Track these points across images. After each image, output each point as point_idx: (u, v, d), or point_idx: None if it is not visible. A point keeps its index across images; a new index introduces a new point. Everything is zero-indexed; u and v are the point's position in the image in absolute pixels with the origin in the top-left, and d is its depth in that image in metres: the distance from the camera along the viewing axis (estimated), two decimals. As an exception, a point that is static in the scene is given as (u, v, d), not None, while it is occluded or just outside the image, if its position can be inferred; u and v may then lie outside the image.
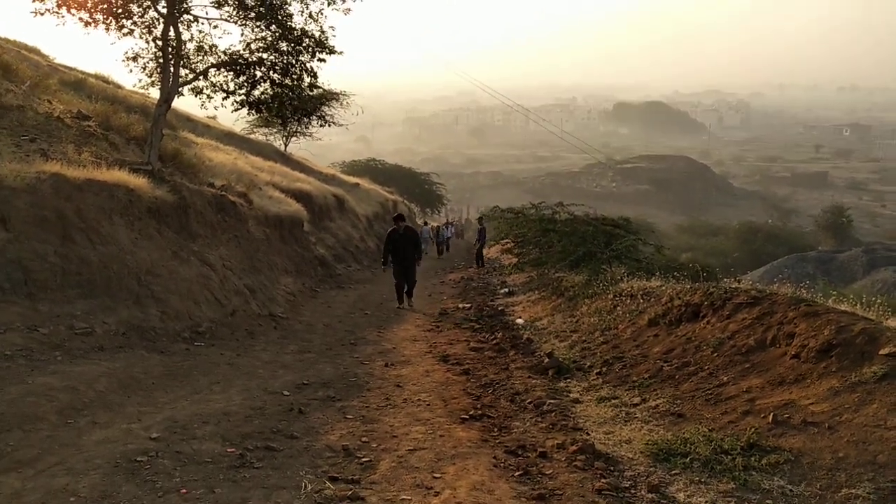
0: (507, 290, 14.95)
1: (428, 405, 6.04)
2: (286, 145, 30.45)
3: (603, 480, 4.14)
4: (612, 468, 4.41)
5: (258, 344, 8.52)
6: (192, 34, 11.06)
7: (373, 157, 53.69)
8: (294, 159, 28.95)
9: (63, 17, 9.98)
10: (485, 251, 27.70)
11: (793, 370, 5.06)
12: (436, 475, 4.36)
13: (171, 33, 10.38)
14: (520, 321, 10.59)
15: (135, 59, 11.20)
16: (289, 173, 21.37)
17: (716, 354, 5.92)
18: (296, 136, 30.32)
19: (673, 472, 4.31)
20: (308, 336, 9.45)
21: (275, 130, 30.13)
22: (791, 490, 3.90)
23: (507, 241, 20.21)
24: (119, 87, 19.86)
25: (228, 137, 25.29)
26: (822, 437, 4.24)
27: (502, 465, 4.54)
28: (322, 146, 35.63)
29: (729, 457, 4.27)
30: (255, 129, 30.43)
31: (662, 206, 79.37)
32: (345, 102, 29.35)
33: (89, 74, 20.02)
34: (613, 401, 5.86)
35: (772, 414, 4.60)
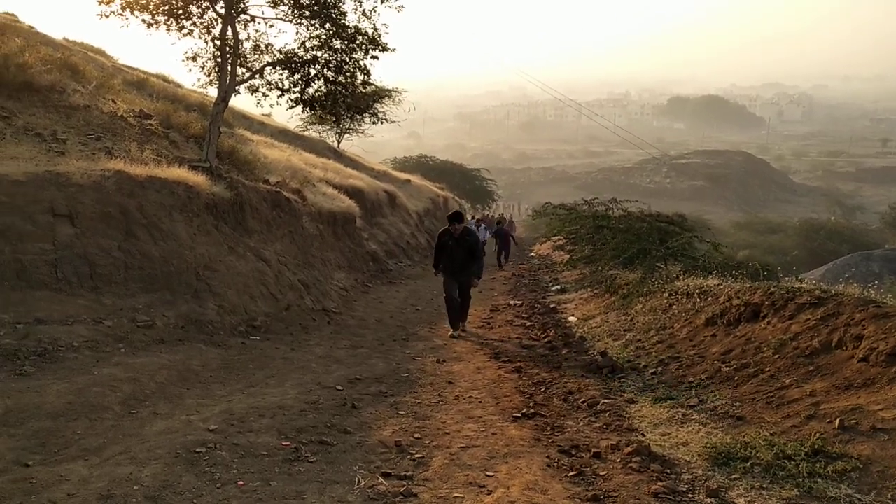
0: (558, 287, 14.81)
1: (480, 402, 6.03)
2: (339, 142, 30.81)
3: (659, 483, 4.05)
4: (668, 471, 4.31)
5: (312, 338, 8.64)
6: (248, 33, 11.30)
7: (424, 154, 53.91)
8: (346, 156, 29.27)
9: (127, 18, 10.30)
10: (535, 248, 27.51)
11: (860, 374, 4.86)
12: (488, 473, 4.34)
13: (229, 33, 10.60)
14: (572, 319, 10.47)
15: (194, 58, 11.51)
16: (341, 170, 21.61)
17: (777, 356, 5.73)
18: (348, 132, 30.64)
19: (733, 476, 4.19)
20: (360, 331, 9.54)
21: (328, 127, 30.50)
22: (859, 499, 3.74)
23: (559, 237, 20.02)
24: (179, 86, 20.39)
25: (283, 134, 25.71)
26: (894, 444, 4.05)
27: (556, 464, 4.49)
28: (374, 143, 35.96)
29: (792, 462, 4.12)
30: (308, 126, 30.87)
31: (719, 202, 77.35)
32: (397, 99, 29.53)
33: (151, 74, 20.59)
34: (669, 401, 5.73)
35: (838, 419, 4.42)
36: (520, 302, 12.69)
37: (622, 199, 18.37)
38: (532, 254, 26.07)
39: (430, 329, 10.02)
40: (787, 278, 8.56)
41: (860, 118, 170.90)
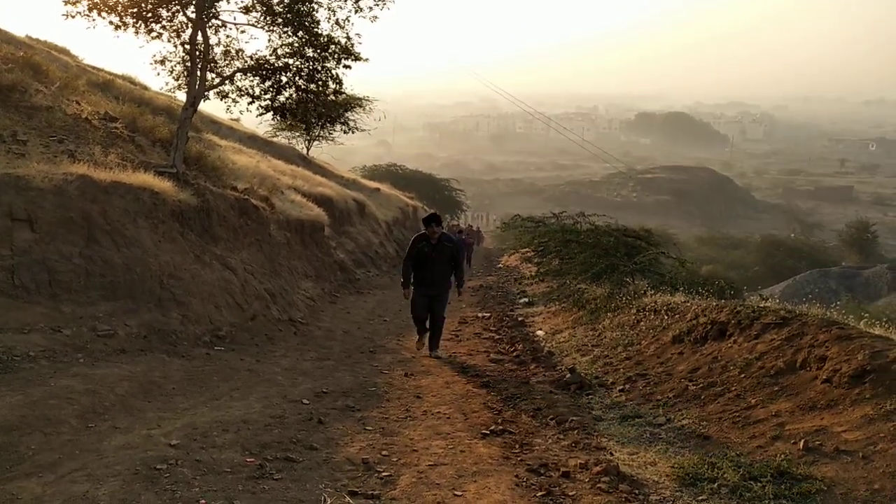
0: (526, 299, 14.86)
1: (448, 418, 5.98)
2: (308, 149, 30.58)
3: (628, 504, 4.05)
4: (637, 491, 4.31)
5: (278, 350, 8.51)
6: (219, 38, 11.15)
7: (393, 162, 53.83)
8: (316, 163, 29.05)
9: (94, 20, 10.08)
10: (503, 260, 27.58)
11: (824, 395, 4.93)
12: (457, 493, 4.29)
13: (199, 38, 10.43)
14: (540, 333, 10.49)
15: (162, 62, 11.31)
16: (310, 177, 21.43)
17: (743, 375, 5.80)
18: (318, 140, 30.44)
19: (700, 497, 4.21)
20: (327, 343, 9.43)
21: (297, 134, 30.26)
22: (823, 521, 3.78)
23: (526, 249, 20.12)
24: (146, 88, 20.04)
25: (251, 140, 25.44)
26: (856, 466, 4.11)
27: (524, 484, 4.46)
28: (343, 150, 35.73)
29: (758, 484, 4.16)
30: (277, 133, 30.59)
31: (683, 217, 78.59)
32: (367, 108, 29.44)
33: (117, 76, 20.21)
34: (637, 419, 5.75)
35: (803, 440, 4.48)
36: (488, 314, 12.68)
37: (589, 212, 18.58)
38: (500, 265, 26.14)
39: (398, 341, 9.95)
40: (750, 296, 8.71)
41: (819, 138, 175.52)
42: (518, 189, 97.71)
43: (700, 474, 4.41)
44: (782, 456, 4.41)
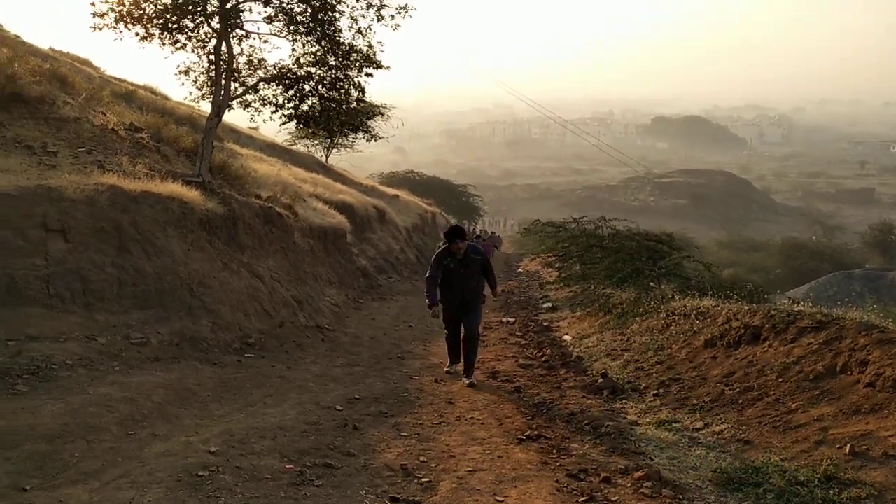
0: (550, 304, 14.79)
1: (482, 424, 5.95)
2: (327, 156, 30.74)
3: (673, 510, 4.00)
4: (680, 496, 4.26)
5: (307, 356, 8.53)
6: (242, 49, 11.24)
7: (410, 169, 53.96)
8: (335, 170, 29.19)
9: (121, 32, 10.21)
10: (522, 265, 27.50)
11: (868, 399, 4.86)
12: (498, 498, 4.27)
13: (224, 48, 10.53)
14: (567, 338, 10.44)
15: (186, 72, 11.43)
16: (331, 185, 21.53)
17: (781, 380, 5.72)
18: (336, 147, 30.59)
19: (745, 502, 4.15)
20: (355, 349, 9.44)
21: (316, 142, 30.44)
22: (875, 527, 3.72)
23: (548, 254, 20.06)
24: (166, 98, 20.25)
25: (271, 148, 25.60)
26: (906, 471, 4.04)
27: (565, 489, 4.43)
28: (361, 157, 35.90)
29: (805, 489, 4.09)
30: (296, 140, 30.79)
31: (701, 221, 78.04)
32: (385, 115, 29.55)
33: (138, 86, 20.45)
34: (674, 424, 5.70)
35: (849, 445, 4.41)
36: (512, 319, 12.64)
37: (611, 217, 18.48)
38: (519, 270, 26.07)
39: (425, 347, 9.94)
40: (779, 299, 8.61)
41: (838, 140, 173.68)
42: (535, 194, 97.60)
43: (744, 479, 4.35)
44: (828, 461, 4.34)
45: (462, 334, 7.65)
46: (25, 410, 4.98)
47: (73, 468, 4.33)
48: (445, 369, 8.00)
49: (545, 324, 12.18)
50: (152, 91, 20.62)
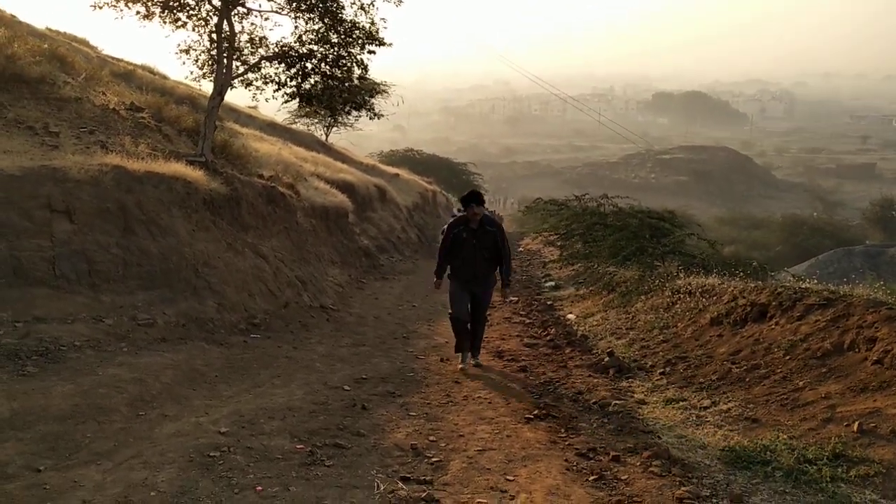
0: (552, 283, 14.80)
1: (490, 403, 5.98)
2: (327, 135, 30.58)
3: (683, 489, 4.03)
4: (689, 475, 4.29)
5: (313, 336, 8.55)
6: (243, 26, 11.11)
7: (410, 147, 53.72)
8: (335, 149, 29.06)
9: (121, 10, 10.10)
10: (523, 243, 27.44)
11: (876, 377, 4.87)
12: (508, 478, 4.30)
13: (225, 26, 10.42)
14: (571, 316, 10.46)
15: (187, 51, 11.30)
16: (332, 163, 21.44)
17: (788, 357, 5.74)
18: (337, 126, 30.42)
19: (754, 480, 4.18)
20: (360, 329, 9.46)
21: (316, 121, 30.25)
22: (884, 504, 3.75)
23: (549, 233, 20.01)
24: (165, 77, 20.07)
25: (271, 127, 25.45)
26: (915, 449, 4.06)
27: (575, 468, 4.46)
28: (360, 136, 35.74)
29: (814, 467, 4.12)
30: (296, 119, 30.60)
31: (702, 197, 77.90)
32: (385, 93, 29.34)
33: (137, 66, 20.28)
34: (681, 403, 5.73)
35: (857, 422, 4.43)
36: (515, 298, 12.65)
37: (613, 194, 18.40)
38: (520, 248, 26.05)
39: (430, 326, 9.97)
40: (788, 277, 8.61)
41: (840, 115, 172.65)
42: (535, 171, 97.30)
43: (753, 457, 4.38)
44: (836, 438, 4.36)
45: (472, 321, 7.12)
46: (36, 391, 5.00)
47: (86, 449, 4.36)
48: (459, 366, 7.17)
49: (548, 302, 12.20)
50: (150, 70, 20.43)
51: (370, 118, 26.92)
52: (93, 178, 7.56)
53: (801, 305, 6.30)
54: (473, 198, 6.90)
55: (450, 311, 7.20)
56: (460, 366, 7.18)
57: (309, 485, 4.12)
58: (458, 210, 7.46)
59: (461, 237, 6.95)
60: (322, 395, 6.01)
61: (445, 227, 7.30)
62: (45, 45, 11.84)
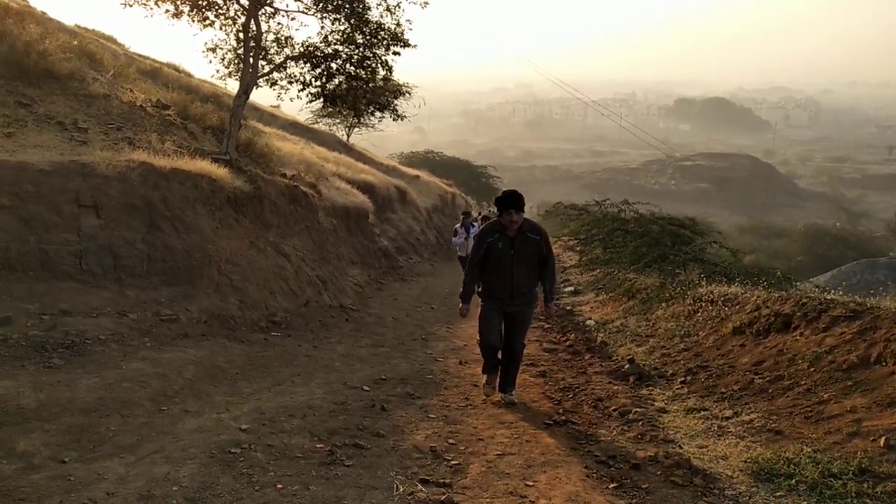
0: (571, 288, 14.75)
1: (509, 407, 5.96)
2: (349, 136, 30.71)
3: (705, 499, 3.99)
4: (711, 486, 4.25)
5: (332, 336, 8.58)
6: (270, 26, 11.21)
7: (430, 149, 53.83)
8: (356, 150, 29.18)
9: (151, 9, 10.22)
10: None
11: (903, 391, 4.79)
12: (528, 483, 4.28)
13: (252, 25, 10.51)
14: (590, 322, 10.41)
15: (214, 50, 11.43)
16: (353, 164, 21.55)
17: (813, 369, 5.66)
18: (359, 126, 30.54)
19: (777, 493, 4.13)
20: (379, 329, 9.48)
21: (337, 121, 30.39)
22: (911, 521, 3.68)
23: (569, 238, 19.95)
24: (190, 75, 20.27)
25: (293, 127, 25.64)
26: (943, 466, 3.99)
27: (594, 475, 4.43)
28: (380, 137, 35.87)
29: (839, 481, 4.06)
30: (318, 119, 30.77)
31: (723, 205, 77.26)
32: (407, 94, 29.41)
33: (163, 63, 20.50)
34: (703, 412, 5.67)
35: (883, 437, 4.36)
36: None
37: (634, 200, 18.31)
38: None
39: (448, 329, 9.97)
40: (812, 288, 8.51)
41: (865, 124, 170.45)
42: (555, 176, 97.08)
43: (776, 470, 4.32)
44: (862, 453, 4.29)
45: (503, 343, 5.97)
46: (62, 384, 5.07)
47: (109, 442, 4.41)
48: (483, 390, 6.21)
49: (567, 307, 12.14)
50: (176, 68, 20.65)
51: (393, 119, 27.00)
52: (120, 174, 7.65)
53: (826, 317, 6.21)
54: (512, 201, 5.66)
55: (479, 337, 6.10)
56: (484, 394, 6.18)
57: (329, 484, 4.13)
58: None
59: (496, 248, 5.73)
60: (342, 394, 6.02)
61: (477, 235, 6.17)
62: (75, 42, 12.02)
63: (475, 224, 12.96)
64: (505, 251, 5.71)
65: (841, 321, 6.03)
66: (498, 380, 6.13)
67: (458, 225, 14.22)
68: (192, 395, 5.58)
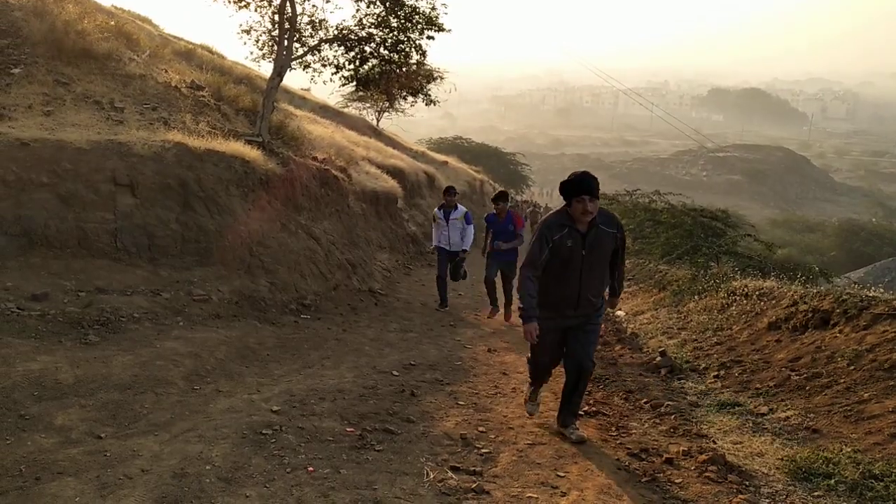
0: (600, 278, 14.59)
1: (538, 397, 5.91)
2: (378, 120, 30.70)
3: (741, 496, 3.91)
4: (747, 483, 4.17)
5: (362, 320, 8.60)
6: (304, 9, 11.19)
7: (459, 135, 53.68)
8: (385, 135, 29.16)
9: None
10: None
11: (948, 393, 4.65)
12: (559, 474, 4.24)
13: (287, 8, 10.50)
14: (620, 313, 10.30)
15: (248, 31, 11.46)
16: (382, 149, 21.52)
17: (852, 368, 5.53)
18: (390, 111, 30.50)
19: (815, 493, 4.04)
20: (408, 315, 9.48)
21: (368, 105, 30.39)
22: (956, 527, 3.58)
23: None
24: (223, 57, 20.35)
25: (323, 110, 25.66)
26: None
27: (626, 468, 4.38)
28: (409, 122, 35.83)
29: (881, 483, 3.95)
30: (348, 103, 30.79)
31: (755, 197, 76.04)
32: (439, 80, 29.28)
33: (196, 45, 20.61)
34: (737, 408, 5.57)
35: (927, 440, 4.24)
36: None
37: (665, 191, 18.06)
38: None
39: (476, 316, 9.94)
40: (850, 284, 8.32)
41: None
42: (584, 164, 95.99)
43: (814, 469, 4.23)
44: (905, 455, 4.18)
45: (567, 363, 4.81)
46: (98, 360, 5.14)
47: (144, 419, 4.46)
48: (525, 407, 5.30)
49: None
50: (209, 50, 20.73)
51: (426, 104, 26.90)
52: (156, 153, 7.71)
53: (867, 314, 6.06)
54: (587, 184, 4.46)
55: (529, 355, 5.13)
56: (527, 412, 5.27)
57: (359, 468, 4.13)
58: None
59: (564, 247, 4.53)
60: (371, 379, 6.03)
61: (536, 231, 4.70)
62: (113, 23, 12.12)
63: (458, 206, 10.02)
64: (575, 251, 4.52)
65: (883, 319, 5.87)
66: (560, 410, 4.96)
67: (436, 209, 10.49)
68: (224, 375, 5.62)
